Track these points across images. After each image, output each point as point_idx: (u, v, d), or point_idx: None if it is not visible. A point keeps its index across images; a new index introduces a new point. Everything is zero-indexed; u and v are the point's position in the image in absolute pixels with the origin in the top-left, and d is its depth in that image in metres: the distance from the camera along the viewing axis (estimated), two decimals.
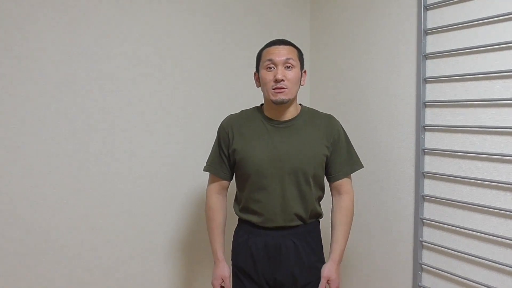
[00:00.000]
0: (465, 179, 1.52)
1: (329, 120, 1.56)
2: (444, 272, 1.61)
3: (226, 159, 1.56)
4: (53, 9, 1.61)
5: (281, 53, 1.44)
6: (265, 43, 1.52)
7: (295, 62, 1.46)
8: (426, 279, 1.69)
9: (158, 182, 1.90)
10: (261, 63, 1.49)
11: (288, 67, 1.44)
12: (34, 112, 1.61)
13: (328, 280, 1.49)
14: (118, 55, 1.75)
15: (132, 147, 1.82)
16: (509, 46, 1.38)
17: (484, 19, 1.43)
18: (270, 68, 1.45)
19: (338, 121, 1.59)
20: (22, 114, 1.59)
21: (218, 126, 1.61)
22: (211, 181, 1.61)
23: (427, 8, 1.61)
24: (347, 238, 1.53)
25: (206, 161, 1.62)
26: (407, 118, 1.72)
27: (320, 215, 1.58)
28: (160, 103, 1.87)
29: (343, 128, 1.58)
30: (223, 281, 1.54)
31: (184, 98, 1.93)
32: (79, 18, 1.66)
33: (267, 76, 1.45)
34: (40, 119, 1.62)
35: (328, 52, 2.11)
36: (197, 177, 1.95)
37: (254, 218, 1.52)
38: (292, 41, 1.52)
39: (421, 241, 1.69)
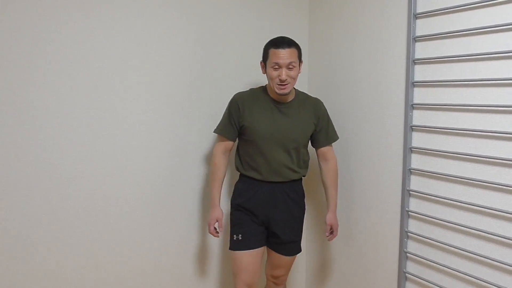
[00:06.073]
0: (448, 153, 1.65)
1: (316, 103, 2.00)
2: (427, 238, 1.75)
3: (235, 125, 1.93)
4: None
5: (285, 57, 1.78)
6: (271, 39, 1.87)
7: (296, 63, 1.83)
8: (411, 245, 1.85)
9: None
10: (268, 62, 1.85)
11: (290, 68, 1.80)
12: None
13: (331, 226, 2.00)
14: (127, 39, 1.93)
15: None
16: (489, 30, 1.48)
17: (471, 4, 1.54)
18: (276, 68, 1.81)
19: (323, 103, 2.02)
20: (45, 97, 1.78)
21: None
22: (218, 142, 1.99)
23: None
24: (337, 192, 2.03)
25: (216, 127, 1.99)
26: (397, 97, 1.85)
27: (304, 174, 2.02)
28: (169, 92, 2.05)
29: (326, 109, 2.01)
30: (217, 221, 1.94)
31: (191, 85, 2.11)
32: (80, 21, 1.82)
33: (273, 73, 1.82)
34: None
35: (325, 46, 2.25)
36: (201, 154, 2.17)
37: (254, 174, 1.94)
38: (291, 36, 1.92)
39: (408, 211, 1.83)
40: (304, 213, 2.05)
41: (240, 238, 1.94)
